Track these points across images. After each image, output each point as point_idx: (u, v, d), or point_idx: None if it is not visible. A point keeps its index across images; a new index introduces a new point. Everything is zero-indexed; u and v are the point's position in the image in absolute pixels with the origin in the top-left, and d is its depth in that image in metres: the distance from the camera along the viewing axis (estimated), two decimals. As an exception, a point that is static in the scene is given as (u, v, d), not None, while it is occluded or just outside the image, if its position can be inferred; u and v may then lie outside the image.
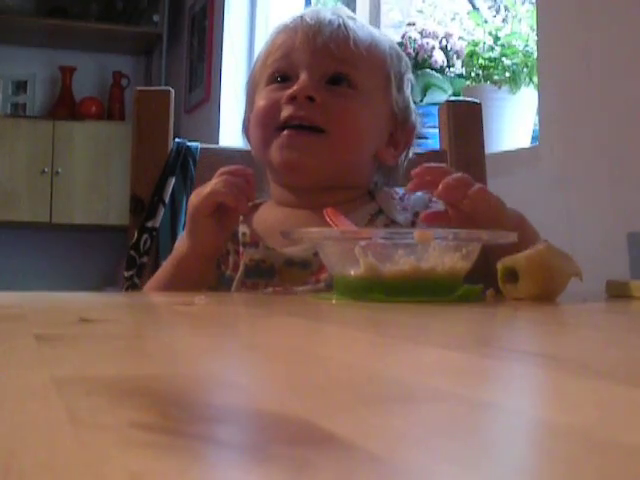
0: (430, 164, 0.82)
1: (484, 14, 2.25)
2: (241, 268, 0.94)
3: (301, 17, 0.99)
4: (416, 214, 0.97)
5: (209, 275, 0.91)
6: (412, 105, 1.04)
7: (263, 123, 0.96)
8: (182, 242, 0.91)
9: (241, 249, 0.95)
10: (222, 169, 0.86)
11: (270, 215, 0.99)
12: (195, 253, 0.88)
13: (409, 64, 1.06)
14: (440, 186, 0.77)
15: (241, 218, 0.94)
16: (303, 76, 0.94)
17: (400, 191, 1.00)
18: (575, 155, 1.47)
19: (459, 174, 0.80)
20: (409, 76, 1.04)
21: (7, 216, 3.59)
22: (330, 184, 0.96)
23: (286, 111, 0.93)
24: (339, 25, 0.96)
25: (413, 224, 0.96)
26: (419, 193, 0.99)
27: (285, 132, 0.93)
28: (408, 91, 1.04)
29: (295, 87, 0.93)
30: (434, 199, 0.98)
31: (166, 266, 0.92)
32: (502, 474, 0.17)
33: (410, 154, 1.06)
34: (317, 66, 0.95)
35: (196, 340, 0.44)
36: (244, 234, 0.96)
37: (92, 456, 0.18)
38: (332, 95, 0.94)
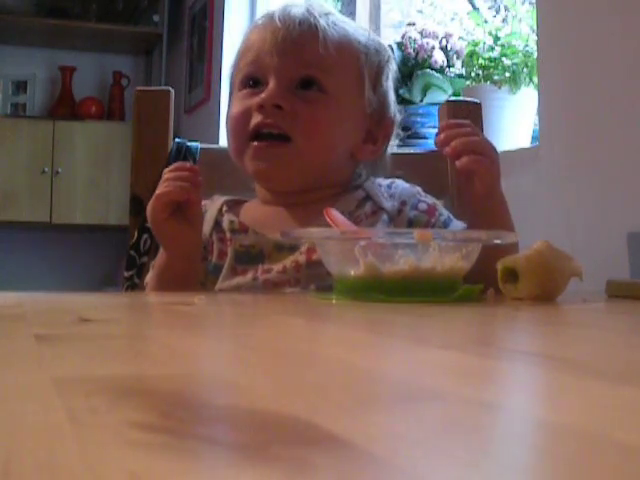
0: (452, 122, 0.86)
1: (484, 14, 2.25)
2: (230, 254, 0.95)
3: (271, 16, 0.98)
4: (403, 202, 0.98)
5: (195, 273, 0.92)
6: (391, 98, 1.03)
7: (235, 132, 0.98)
8: (160, 250, 0.92)
9: (228, 235, 0.97)
10: (165, 171, 0.89)
11: (257, 211, 1.01)
12: (172, 257, 0.90)
13: (391, 55, 1.05)
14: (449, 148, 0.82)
15: (204, 209, 0.96)
16: (271, 83, 0.94)
17: (385, 182, 1.01)
18: (575, 155, 1.46)
19: (474, 139, 0.84)
20: (391, 67, 1.03)
21: (7, 216, 3.59)
22: (307, 187, 0.97)
23: (255, 119, 0.94)
24: (309, 26, 0.95)
25: (399, 212, 0.97)
26: (406, 184, 1.01)
27: (254, 144, 0.95)
28: (388, 84, 1.02)
29: (263, 95, 0.93)
30: (423, 194, 1.00)
31: (152, 277, 0.94)
32: (502, 474, 0.17)
33: (392, 145, 1.06)
34: (285, 71, 0.94)
35: (196, 340, 0.44)
36: (232, 222, 0.98)
37: (92, 456, 0.18)
38: (301, 101, 0.94)
